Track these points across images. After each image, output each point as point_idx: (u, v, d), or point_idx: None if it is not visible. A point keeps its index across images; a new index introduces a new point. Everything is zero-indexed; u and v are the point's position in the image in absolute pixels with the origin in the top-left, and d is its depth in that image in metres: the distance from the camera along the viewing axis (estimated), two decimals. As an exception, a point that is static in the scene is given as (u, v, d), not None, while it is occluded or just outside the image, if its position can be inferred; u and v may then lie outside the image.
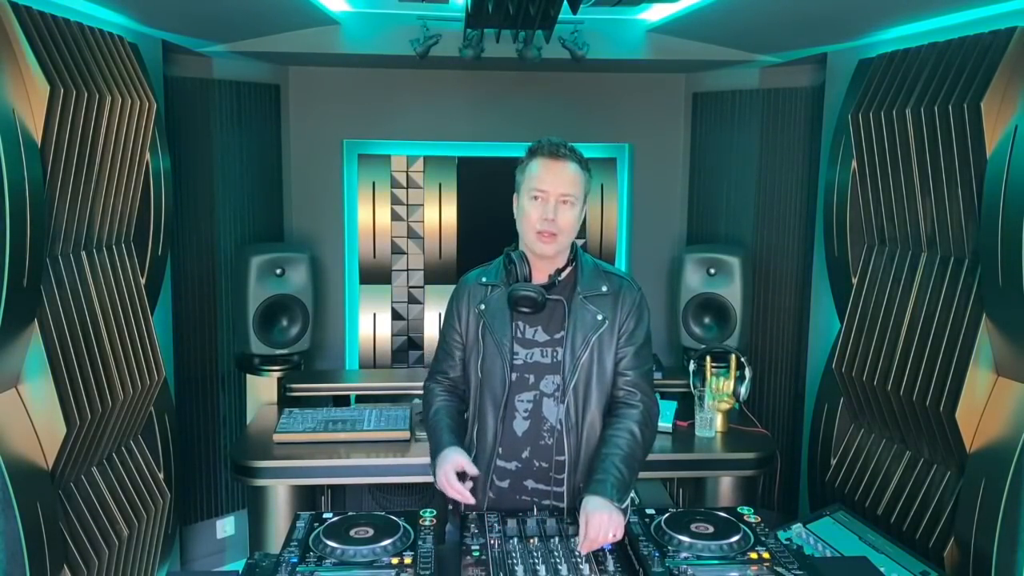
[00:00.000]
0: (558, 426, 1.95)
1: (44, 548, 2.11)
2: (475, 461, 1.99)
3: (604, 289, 1.97)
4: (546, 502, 1.97)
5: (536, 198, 1.89)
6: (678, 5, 2.78)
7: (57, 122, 2.12)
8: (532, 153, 1.93)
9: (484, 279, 2.03)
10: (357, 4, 3.13)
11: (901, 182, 2.57)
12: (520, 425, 1.97)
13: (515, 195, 1.98)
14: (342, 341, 3.93)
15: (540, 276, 1.96)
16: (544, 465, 1.97)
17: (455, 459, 1.91)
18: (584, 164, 1.93)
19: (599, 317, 1.95)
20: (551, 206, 1.87)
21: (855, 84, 2.87)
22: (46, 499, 2.15)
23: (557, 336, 1.96)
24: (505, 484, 2.00)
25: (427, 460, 2.18)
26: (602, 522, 1.72)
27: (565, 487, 1.97)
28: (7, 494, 1.97)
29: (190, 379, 3.38)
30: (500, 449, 1.99)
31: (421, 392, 3.24)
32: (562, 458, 1.95)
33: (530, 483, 1.99)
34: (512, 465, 1.99)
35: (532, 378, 1.96)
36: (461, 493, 1.88)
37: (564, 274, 1.96)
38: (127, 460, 2.62)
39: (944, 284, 2.42)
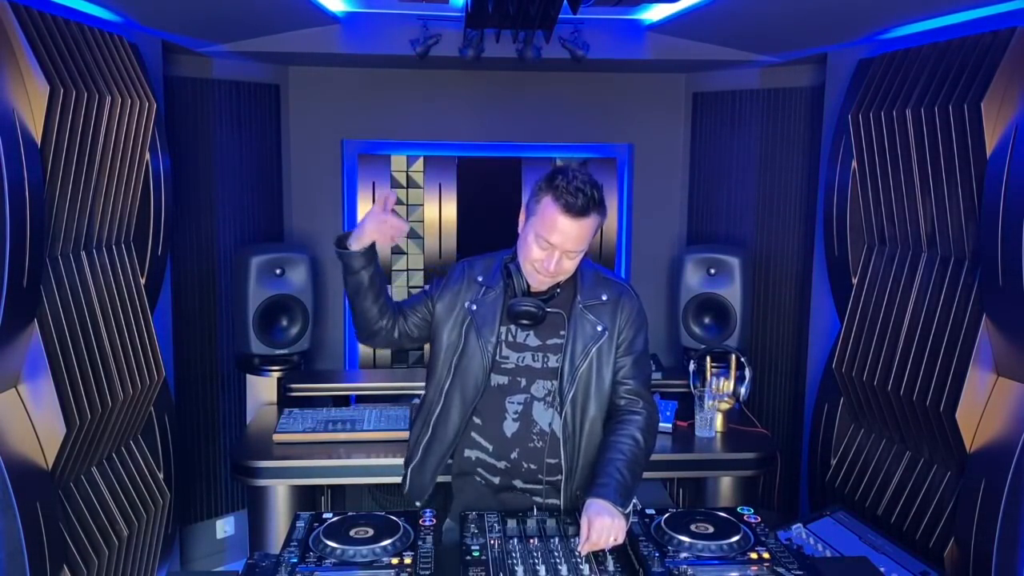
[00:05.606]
0: (548, 430, 1.96)
1: (44, 548, 2.11)
2: (428, 449, 2.02)
3: (604, 297, 1.97)
4: (536, 499, 1.98)
5: (542, 248, 1.84)
6: (678, 5, 2.78)
7: (57, 122, 2.12)
8: (553, 190, 1.80)
9: (481, 278, 2.01)
10: (357, 4, 3.13)
11: (901, 182, 2.57)
12: (510, 427, 1.98)
13: (523, 209, 1.92)
14: (342, 341, 3.93)
15: (539, 286, 1.95)
16: (533, 467, 1.97)
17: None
18: (602, 208, 1.84)
19: (599, 328, 1.95)
20: (555, 258, 1.83)
21: (855, 84, 2.87)
22: (46, 499, 2.15)
23: (549, 342, 1.96)
24: (496, 480, 2.01)
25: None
26: (604, 525, 1.71)
27: (562, 495, 1.97)
28: (7, 494, 1.97)
29: (190, 379, 3.38)
30: (490, 447, 1.99)
31: (421, 392, 3.27)
32: (554, 461, 1.96)
33: (519, 483, 2.00)
34: (502, 464, 2.00)
35: (524, 382, 1.97)
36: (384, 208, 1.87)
37: (563, 281, 1.95)
38: (127, 460, 2.62)
39: (944, 284, 2.42)
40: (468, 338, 1.97)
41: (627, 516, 1.79)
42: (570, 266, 1.88)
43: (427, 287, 2.11)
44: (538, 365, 1.96)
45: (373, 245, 1.93)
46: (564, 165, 1.87)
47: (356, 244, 1.92)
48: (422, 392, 3.25)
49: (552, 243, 1.82)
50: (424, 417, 2.06)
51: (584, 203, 1.79)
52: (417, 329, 2.06)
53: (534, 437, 1.97)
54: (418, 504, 2.00)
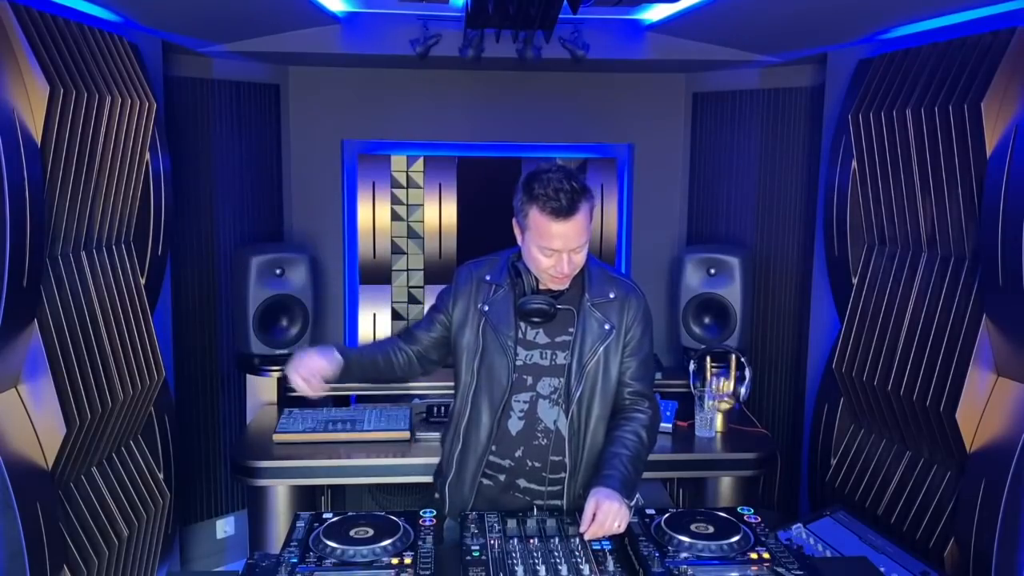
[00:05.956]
0: (553, 428, 1.96)
1: (44, 548, 2.11)
2: (463, 456, 2.00)
3: (611, 295, 1.96)
4: (538, 502, 1.98)
5: (548, 256, 1.84)
6: (678, 5, 2.78)
7: (57, 122, 2.12)
8: (536, 201, 1.79)
9: (489, 277, 2.00)
10: (357, 4, 3.13)
11: (901, 182, 2.57)
12: (515, 425, 1.97)
13: (515, 223, 1.90)
14: (342, 341, 3.93)
15: (560, 287, 1.94)
16: (537, 465, 1.97)
17: (309, 357, 1.88)
18: (588, 195, 1.83)
19: (606, 326, 1.95)
20: (565, 259, 1.83)
21: (855, 84, 2.87)
22: (46, 499, 2.15)
23: (558, 339, 1.96)
24: (501, 478, 2.00)
25: (427, 460, 2.20)
26: (612, 509, 1.73)
27: (564, 494, 1.97)
28: (7, 494, 1.97)
29: (190, 379, 3.38)
30: (494, 447, 1.99)
31: (421, 392, 3.28)
32: (558, 459, 1.96)
33: (522, 482, 2.00)
34: (506, 463, 1.99)
35: (530, 379, 1.96)
36: (299, 375, 1.85)
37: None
38: (127, 460, 2.62)
39: (944, 284, 2.42)
40: (486, 339, 1.96)
41: (631, 509, 1.79)
42: (580, 259, 1.88)
43: (434, 305, 2.10)
44: (546, 363, 1.96)
45: (343, 362, 1.94)
46: (535, 169, 1.84)
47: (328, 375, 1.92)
48: (422, 392, 3.28)
49: (556, 249, 1.82)
50: (454, 428, 2.03)
51: (569, 201, 1.77)
52: (436, 351, 2.08)
53: (539, 435, 1.97)
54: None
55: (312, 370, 1.87)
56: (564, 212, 1.78)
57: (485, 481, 2.01)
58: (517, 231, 1.92)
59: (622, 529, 1.74)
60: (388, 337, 2.13)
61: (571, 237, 1.81)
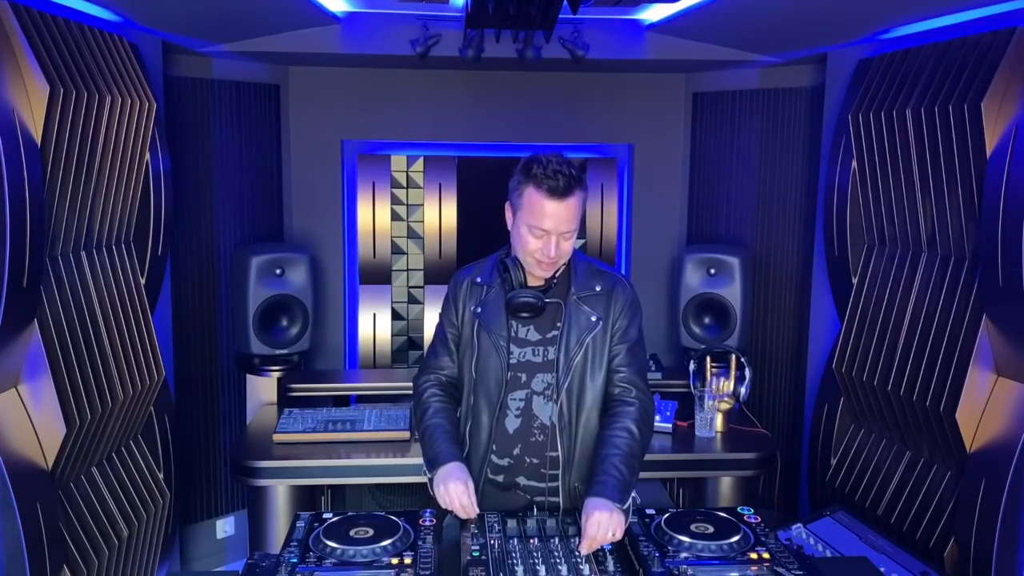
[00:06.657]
0: (549, 424, 1.96)
1: (44, 548, 2.11)
2: (467, 458, 2.00)
3: (598, 288, 1.97)
4: (539, 498, 1.98)
5: (538, 236, 1.85)
6: (678, 5, 2.78)
7: (57, 122, 2.12)
8: (532, 179, 1.82)
9: (480, 279, 2.02)
10: (357, 4, 3.13)
11: (901, 182, 2.57)
12: (512, 423, 1.98)
13: (508, 203, 1.93)
14: (342, 341, 3.93)
15: (535, 279, 1.96)
16: (535, 462, 1.98)
17: (465, 480, 1.87)
18: (583, 184, 1.86)
19: (593, 318, 1.95)
20: (553, 243, 1.84)
21: (855, 84, 2.87)
22: (46, 499, 2.15)
23: (549, 335, 1.97)
24: (499, 479, 2.01)
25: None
26: (602, 520, 1.72)
27: (560, 487, 1.98)
28: (7, 494, 1.98)
29: (190, 379, 3.38)
30: (494, 446, 2.00)
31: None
32: (555, 454, 1.96)
33: (522, 479, 2.00)
34: (504, 462, 2.00)
35: (524, 377, 1.97)
36: (464, 509, 1.85)
37: (558, 274, 1.96)
38: (127, 460, 2.63)
39: (944, 284, 2.42)
40: (480, 339, 1.98)
41: (626, 512, 1.79)
42: (567, 247, 1.89)
43: (439, 325, 2.10)
44: (538, 359, 1.97)
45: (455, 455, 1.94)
46: (535, 154, 1.88)
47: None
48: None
49: (546, 229, 1.83)
50: (462, 431, 2.05)
51: (566, 183, 1.80)
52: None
53: (535, 431, 1.97)
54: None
55: (472, 496, 1.86)
56: (560, 192, 1.80)
57: (487, 481, 2.02)
58: (509, 214, 1.93)
59: (619, 537, 1.74)
60: (428, 399, 2.07)
61: (562, 219, 1.82)
